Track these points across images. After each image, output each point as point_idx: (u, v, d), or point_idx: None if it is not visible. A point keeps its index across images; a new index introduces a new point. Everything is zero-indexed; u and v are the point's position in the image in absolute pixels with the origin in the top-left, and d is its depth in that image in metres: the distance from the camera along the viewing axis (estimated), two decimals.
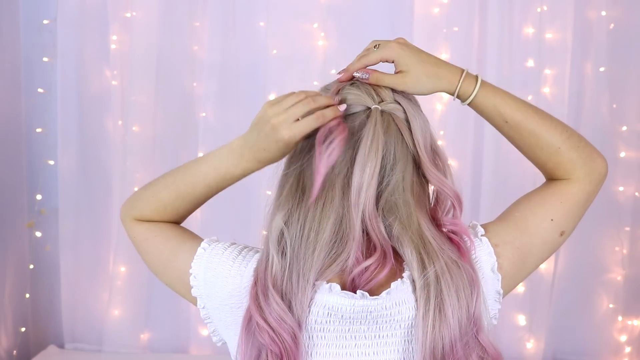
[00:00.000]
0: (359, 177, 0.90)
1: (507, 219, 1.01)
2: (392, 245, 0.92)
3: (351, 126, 0.94)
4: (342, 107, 0.95)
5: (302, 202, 0.93)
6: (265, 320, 0.88)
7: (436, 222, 0.97)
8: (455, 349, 0.88)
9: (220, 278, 0.95)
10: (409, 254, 0.90)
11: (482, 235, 0.98)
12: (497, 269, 0.96)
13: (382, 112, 0.94)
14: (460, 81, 0.97)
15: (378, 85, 0.96)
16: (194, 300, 0.99)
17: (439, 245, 0.92)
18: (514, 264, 0.98)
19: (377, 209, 0.93)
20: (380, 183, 0.93)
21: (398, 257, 0.93)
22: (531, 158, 1.03)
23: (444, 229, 0.97)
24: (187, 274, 0.98)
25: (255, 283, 0.91)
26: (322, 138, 0.92)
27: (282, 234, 0.92)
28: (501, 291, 0.97)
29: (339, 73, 0.99)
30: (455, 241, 0.96)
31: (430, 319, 0.88)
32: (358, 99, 0.95)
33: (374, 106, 0.94)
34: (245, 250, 0.98)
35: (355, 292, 0.90)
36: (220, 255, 0.97)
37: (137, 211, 1.06)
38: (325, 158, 0.91)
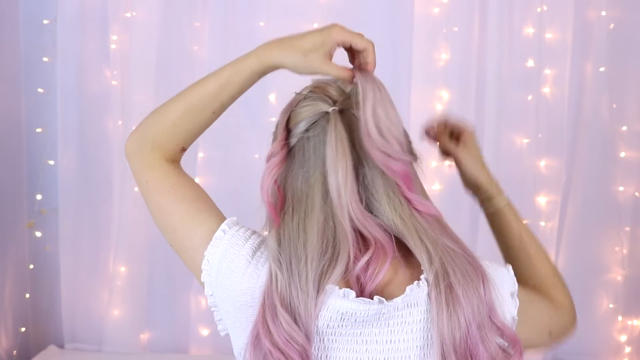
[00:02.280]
0: (334, 180, 0.92)
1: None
2: (395, 237, 0.93)
3: (315, 135, 0.96)
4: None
5: (286, 218, 0.94)
6: (274, 344, 0.87)
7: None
8: (471, 332, 0.89)
9: (236, 273, 0.93)
10: (415, 246, 0.91)
11: (510, 269, 1.00)
12: (517, 296, 0.97)
13: (340, 111, 0.96)
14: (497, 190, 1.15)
15: (325, 87, 0.99)
16: (200, 282, 0.97)
17: (433, 230, 0.94)
18: (523, 312, 1.00)
19: (373, 206, 0.94)
20: (362, 182, 0.94)
21: (402, 249, 0.93)
22: (515, 266, 1.09)
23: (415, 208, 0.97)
24: (199, 254, 0.95)
25: (263, 304, 0.90)
26: (267, 158, 0.98)
27: (277, 251, 0.91)
28: (516, 318, 0.97)
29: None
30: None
31: (443, 301, 0.88)
32: (314, 108, 0.97)
33: (331, 109, 0.96)
34: (264, 245, 0.96)
35: (363, 291, 0.90)
36: (241, 246, 0.94)
37: (149, 141, 1.00)
38: (267, 175, 0.96)
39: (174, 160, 1.02)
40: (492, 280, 0.93)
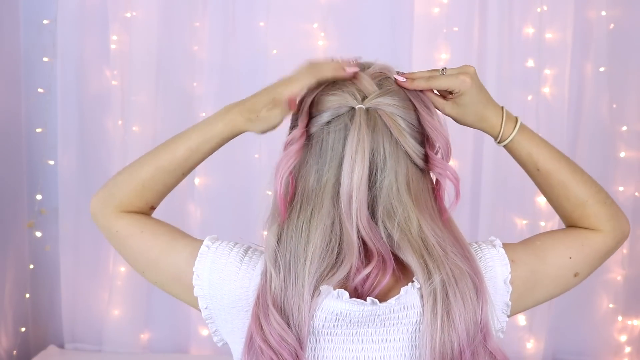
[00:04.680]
0: (347, 183, 0.88)
1: (527, 244, 1.01)
2: (393, 252, 0.91)
3: (336, 130, 0.92)
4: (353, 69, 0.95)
5: (292, 214, 0.92)
6: (266, 342, 0.87)
7: (436, 196, 0.97)
8: (464, 356, 0.87)
9: (227, 281, 0.93)
10: (412, 261, 0.89)
11: (500, 247, 0.97)
12: (510, 282, 0.95)
13: (367, 110, 0.92)
14: (502, 125, 1.01)
15: (360, 78, 0.95)
16: (193, 301, 0.96)
17: (443, 250, 0.90)
18: (524, 284, 0.97)
19: (375, 215, 0.91)
20: (372, 187, 0.91)
21: (401, 262, 0.92)
22: (557, 207, 1.06)
23: (435, 172, 0.96)
24: (187, 273, 0.95)
25: (257, 301, 0.89)
26: (285, 145, 0.94)
27: (275, 249, 0.90)
28: (510, 303, 0.95)
29: (402, 75, 0.97)
30: (445, 218, 0.96)
31: (438, 323, 0.87)
32: (341, 100, 0.93)
33: (357, 106, 0.92)
34: (250, 250, 0.96)
35: (361, 298, 0.89)
36: (227, 256, 0.94)
37: (117, 199, 1.00)
38: (284, 164, 0.93)
39: (143, 214, 1.03)
40: (491, 295, 0.92)
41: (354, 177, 0.88)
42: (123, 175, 1.01)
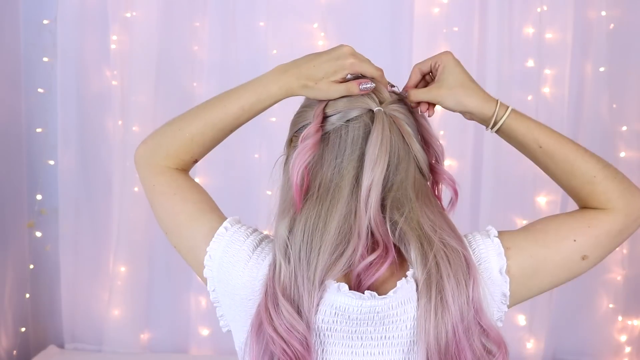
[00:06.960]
0: (369, 176, 0.93)
1: (527, 229, 1.00)
2: (394, 242, 0.94)
3: (355, 128, 0.96)
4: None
5: (308, 205, 0.94)
6: (276, 331, 0.89)
7: (437, 198, 1.03)
8: (458, 335, 0.89)
9: (236, 267, 0.95)
10: (413, 250, 0.91)
11: (494, 237, 0.97)
12: (506, 272, 0.95)
13: (384, 113, 0.97)
14: (497, 106, 1.00)
15: (378, 85, 1.00)
16: (203, 279, 0.99)
17: (439, 235, 0.93)
18: (523, 271, 0.96)
19: (384, 207, 0.94)
20: (385, 183, 0.95)
21: (400, 253, 0.94)
22: (565, 186, 1.02)
23: (435, 177, 1.03)
24: (202, 251, 0.97)
25: (265, 294, 0.91)
26: (301, 140, 0.97)
27: (287, 240, 0.92)
28: (508, 294, 0.95)
29: (404, 91, 1.04)
30: (441, 205, 1.01)
31: (432, 308, 0.89)
32: (360, 102, 0.98)
33: (376, 108, 0.97)
34: (265, 241, 0.98)
35: (360, 288, 0.91)
36: (242, 242, 0.96)
37: (164, 150, 1.03)
38: (300, 157, 0.95)
39: (184, 169, 1.06)
40: (479, 267, 0.93)
41: (376, 172, 0.93)
42: (172, 127, 1.05)
